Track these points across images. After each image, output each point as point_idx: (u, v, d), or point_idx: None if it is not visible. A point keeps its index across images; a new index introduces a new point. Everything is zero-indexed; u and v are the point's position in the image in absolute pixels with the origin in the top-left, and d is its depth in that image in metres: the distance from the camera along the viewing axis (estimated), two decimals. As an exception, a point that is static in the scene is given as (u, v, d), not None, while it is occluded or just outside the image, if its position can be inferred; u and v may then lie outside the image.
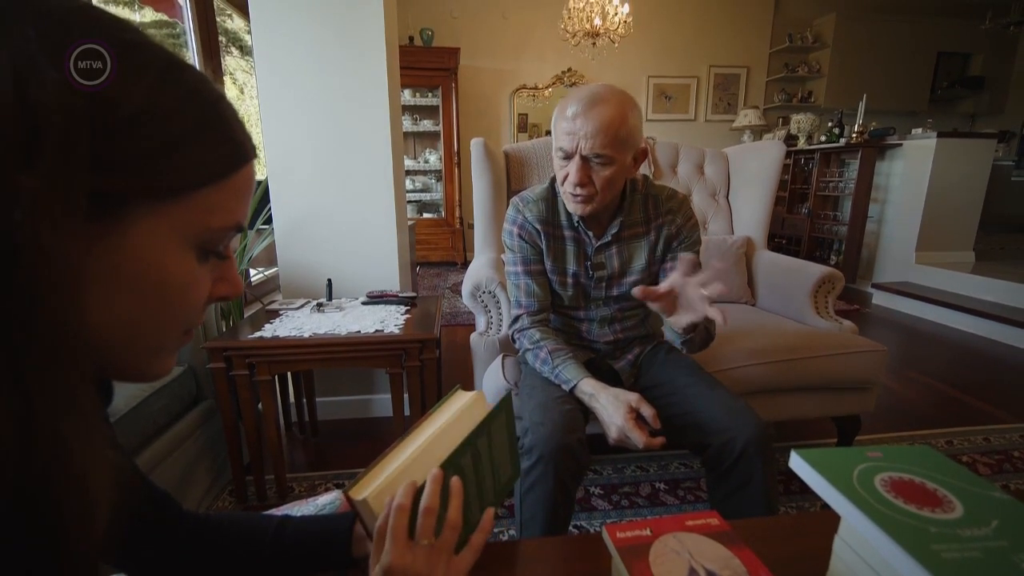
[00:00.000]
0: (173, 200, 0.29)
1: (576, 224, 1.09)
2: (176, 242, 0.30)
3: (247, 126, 0.34)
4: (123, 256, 0.28)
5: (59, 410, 0.24)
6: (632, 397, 0.92)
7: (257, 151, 0.35)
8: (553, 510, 0.89)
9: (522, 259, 1.12)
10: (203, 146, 0.30)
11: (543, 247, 1.11)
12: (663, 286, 0.85)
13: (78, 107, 0.24)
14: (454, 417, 0.55)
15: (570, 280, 1.12)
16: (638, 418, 0.91)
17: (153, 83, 0.28)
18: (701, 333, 0.99)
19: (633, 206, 1.09)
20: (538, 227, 1.10)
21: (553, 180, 1.12)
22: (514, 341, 1.15)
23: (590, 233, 1.09)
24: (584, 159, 0.96)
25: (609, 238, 1.08)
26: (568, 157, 0.98)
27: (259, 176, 2.87)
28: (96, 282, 0.27)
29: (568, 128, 0.95)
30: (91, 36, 0.25)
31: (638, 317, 1.17)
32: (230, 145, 0.32)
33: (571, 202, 1.03)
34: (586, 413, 1.01)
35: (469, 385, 1.59)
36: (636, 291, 0.86)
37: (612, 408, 0.92)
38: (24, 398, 0.23)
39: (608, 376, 1.09)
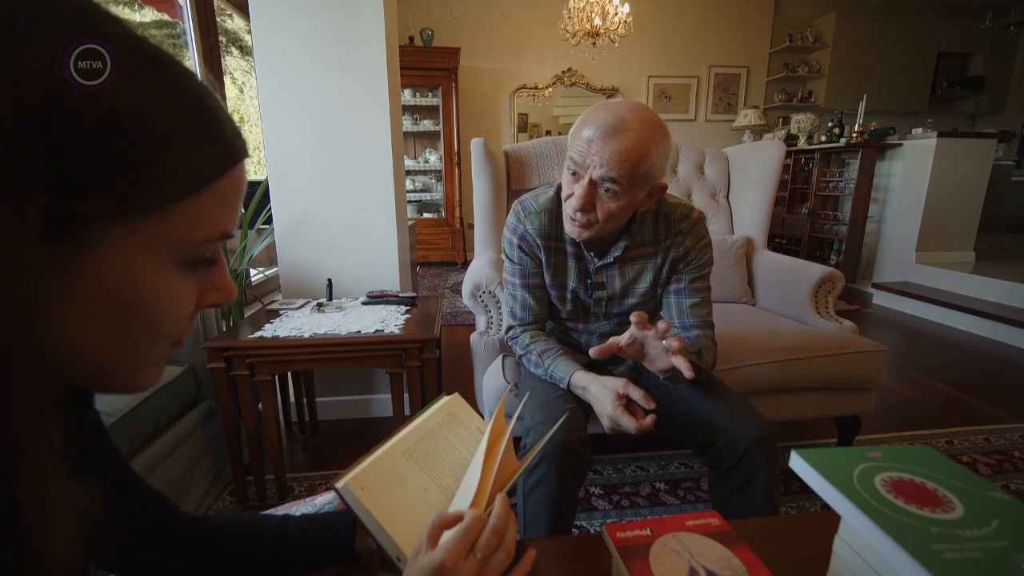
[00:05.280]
0: (148, 216, 0.26)
1: (578, 241, 1.04)
2: (153, 260, 0.28)
3: (236, 124, 0.31)
4: (95, 278, 0.26)
5: (13, 456, 0.22)
6: (619, 383, 0.91)
7: (248, 150, 0.32)
8: (556, 510, 0.88)
9: (521, 271, 1.09)
10: (182, 153, 0.27)
11: (543, 260, 1.08)
12: (623, 339, 0.87)
13: (27, 121, 0.21)
14: (429, 414, 0.61)
15: (569, 296, 1.09)
16: (630, 403, 0.90)
17: (121, 83, 0.24)
18: (700, 369, 0.94)
19: (643, 226, 1.02)
20: (539, 241, 1.06)
21: (559, 189, 1.06)
22: (508, 346, 1.16)
23: (591, 253, 1.04)
24: (592, 184, 0.89)
25: (611, 259, 1.03)
26: (575, 176, 0.91)
27: (259, 176, 2.87)
28: (66, 306, 0.25)
29: (582, 149, 0.88)
30: (53, 33, 0.23)
31: None
32: (215, 148, 0.29)
33: (568, 223, 0.97)
34: (587, 411, 1.01)
35: (469, 386, 1.59)
36: (592, 352, 0.86)
37: (601, 396, 0.92)
38: None
39: (607, 375, 1.09)
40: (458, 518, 0.46)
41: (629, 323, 1.10)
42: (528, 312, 1.11)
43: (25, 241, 0.22)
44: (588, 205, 0.91)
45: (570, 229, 0.98)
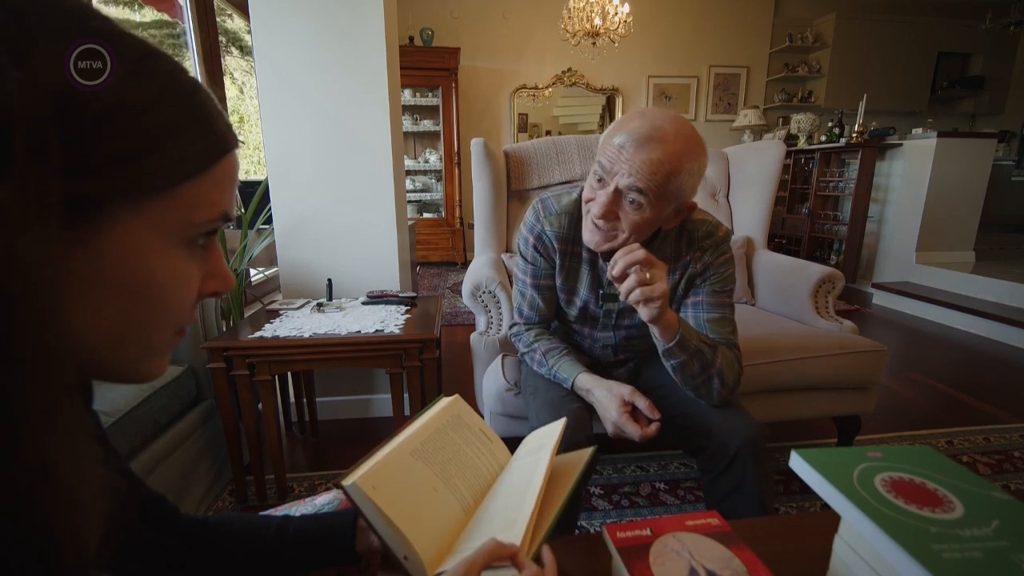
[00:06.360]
0: (153, 198, 0.28)
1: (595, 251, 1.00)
2: (159, 241, 0.29)
3: (227, 116, 0.33)
4: (105, 260, 0.27)
5: (42, 425, 0.23)
6: (625, 390, 0.91)
7: (239, 140, 0.34)
8: (563, 509, 0.89)
9: (533, 271, 1.07)
10: (182, 140, 0.29)
11: (557, 264, 1.05)
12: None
13: (45, 108, 0.23)
14: (433, 415, 0.61)
15: (579, 302, 1.07)
16: (634, 410, 0.91)
17: (125, 76, 0.26)
18: (691, 352, 0.89)
19: (665, 242, 0.98)
20: (556, 244, 1.03)
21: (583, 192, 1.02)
22: (511, 341, 1.15)
23: (606, 263, 0.99)
24: (617, 192, 0.85)
25: None
26: (601, 182, 0.87)
27: (259, 176, 2.86)
28: (78, 288, 0.26)
29: (612, 155, 0.84)
30: (57, 30, 0.24)
31: (644, 344, 1.14)
32: (210, 137, 0.31)
33: (587, 231, 0.93)
34: (591, 410, 1.01)
35: (469, 385, 1.58)
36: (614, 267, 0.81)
37: (606, 401, 0.92)
38: (4, 413, 0.21)
39: (606, 377, 1.08)
40: (511, 553, 0.44)
41: (636, 335, 1.10)
42: (535, 312, 1.10)
43: (48, 223, 0.23)
44: (610, 214, 0.87)
45: (588, 238, 0.93)
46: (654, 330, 0.88)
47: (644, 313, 0.83)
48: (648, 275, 0.80)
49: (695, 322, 1.00)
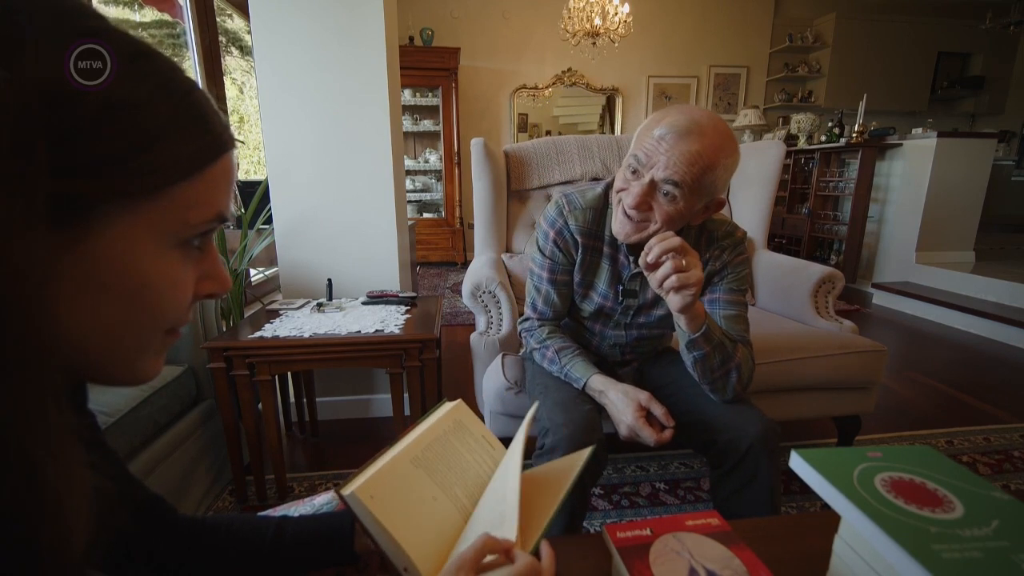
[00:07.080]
0: (147, 198, 0.28)
1: (619, 244, 1.01)
2: (154, 242, 0.29)
3: (223, 116, 0.33)
4: (97, 261, 0.27)
5: (30, 429, 0.22)
6: (643, 396, 0.92)
7: (236, 140, 0.33)
8: (570, 510, 0.89)
9: (550, 267, 1.06)
10: (177, 140, 0.28)
11: (577, 259, 1.05)
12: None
13: (35, 107, 0.22)
14: (435, 421, 0.60)
15: (596, 297, 1.07)
16: (648, 416, 0.91)
17: (119, 76, 0.26)
18: (715, 344, 0.90)
19: (686, 239, 0.99)
20: (578, 239, 1.02)
21: (608, 187, 1.02)
22: (520, 336, 1.15)
23: (631, 258, 1.01)
24: (652, 184, 0.85)
25: None
26: (636, 173, 0.87)
27: (259, 176, 2.86)
28: (70, 290, 0.26)
29: (649, 147, 0.85)
30: (51, 29, 0.24)
31: (651, 345, 1.15)
32: (206, 137, 0.30)
33: (619, 223, 0.93)
34: (601, 411, 1.01)
35: (469, 385, 1.58)
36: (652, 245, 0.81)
37: (622, 405, 0.92)
38: None
39: (611, 375, 1.08)
40: (505, 547, 0.44)
41: (647, 336, 1.11)
42: (550, 308, 1.09)
43: (35, 224, 0.22)
44: (643, 204, 0.87)
45: (618, 229, 0.93)
46: (681, 320, 0.88)
47: (676, 301, 0.83)
48: (684, 262, 0.80)
49: (711, 318, 1.00)
